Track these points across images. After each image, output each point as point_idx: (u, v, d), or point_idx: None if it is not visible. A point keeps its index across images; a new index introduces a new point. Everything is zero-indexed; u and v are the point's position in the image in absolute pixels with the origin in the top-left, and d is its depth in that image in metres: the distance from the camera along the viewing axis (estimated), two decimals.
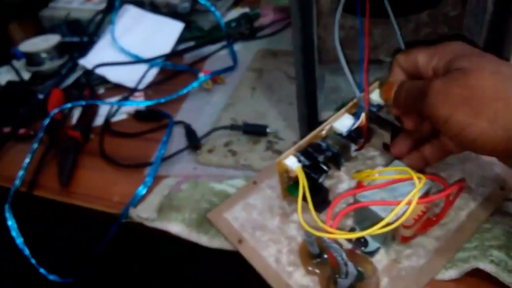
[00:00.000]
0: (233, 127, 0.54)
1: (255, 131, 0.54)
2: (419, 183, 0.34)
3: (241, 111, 0.58)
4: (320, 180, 0.40)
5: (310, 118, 0.51)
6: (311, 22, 0.42)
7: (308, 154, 0.40)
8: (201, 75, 0.64)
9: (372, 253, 0.39)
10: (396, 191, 0.37)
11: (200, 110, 0.60)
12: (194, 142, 0.54)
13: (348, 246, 0.39)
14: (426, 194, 0.37)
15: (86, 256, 0.50)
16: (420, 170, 0.39)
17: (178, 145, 0.55)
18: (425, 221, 0.38)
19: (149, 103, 0.61)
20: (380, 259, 0.38)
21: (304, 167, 0.40)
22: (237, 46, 0.72)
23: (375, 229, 0.33)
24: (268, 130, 0.54)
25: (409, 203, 0.34)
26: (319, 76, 0.48)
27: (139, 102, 0.62)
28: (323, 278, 0.38)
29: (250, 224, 0.43)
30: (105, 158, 0.55)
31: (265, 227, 0.42)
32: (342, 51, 0.41)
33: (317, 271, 0.38)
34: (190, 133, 0.55)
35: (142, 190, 0.49)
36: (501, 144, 0.31)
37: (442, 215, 0.39)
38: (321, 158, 0.40)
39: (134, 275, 0.58)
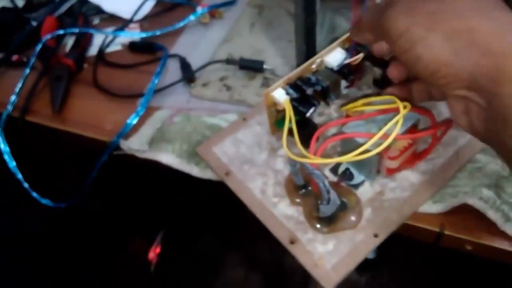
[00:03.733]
0: (229, 61, 0.53)
1: (251, 67, 0.53)
2: (404, 110, 0.34)
3: (238, 46, 0.57)
4: (308, 114, 0.39)
5: (308, 55, 0.50)
6: None
7: (297, 87, 0.39)
8: (199, 9, 0.61)
9: (357, 186, 0.39)
10: (383, 122, 0.36)
11: (196, 44, 0.59)
12: (188, 74, 0.53)
13: (334, 179, 0.40)
14: (413, 127, 0.36)
15: (79, 183, 0.50)
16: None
17: (173, 78, 0.54)
18: (411, 155, 0.38)
19: (144, 35, 0.60)
20: (365, 191, 0.39)
21: (292, 100, 0.39)
22: None
23: (353, 155, 0.33)
24: (265, 66, 0.52)
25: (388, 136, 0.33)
26: (319, 13, 0.46)
27: (134, 34, 0.61)
28: (306, 207, 0.38)
29: (238, 158, 0.43)
30: (98, 88, 0.55)
31: (252, 161, 0.42)
32: None
33: (302, 201, 0.39)
34: (184, 65, 0.54)
35: (133, 119, 0.48)
36: (444, 68, 0.27)
37: (428, 150, 0.38)
38: (310, 91, 0.39)
39: (125, 202, 0.59)
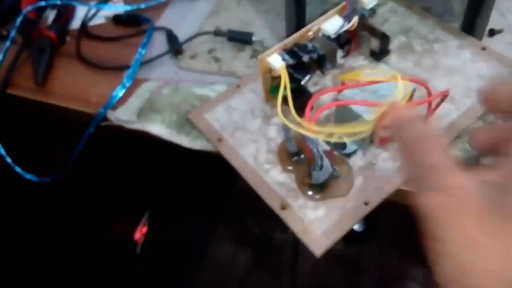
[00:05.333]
0: (217, 33, 0.52)
1: (240, 39, 0.52)
2: (401, 80, 0.34)
3: (226, 19, 0.56)
4: (303, 81, 0.39)
5: (298, 27, 0.49)
6: None
7: (293, 54, 0.39)
8: None
9: (349, 155, 0.39)
10: (379, 92, 0.36)
11: (182, 17, 0.58)
12: (175, 46, 0.52)
13: (327, 148, 0.40)
14: (408, 97, 0.37)
15: (65, 157, 0.49)
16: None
17: (160, 51, 0.53)
18: None
19: (128, 7, 0.58)
20: (357, 161, 0.39)
21: (288, 66, 0.38)
22: None
23: (352, 127, 0.33)
24: (253, 38, 0.52)
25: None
26: None
27: (118, 7, 0.59)
28: (298, 174, 0.38)
29: (231, 125, 0.42)
30: (82, 60, 0.53)
31: (245, 128, 0.42)
32: None
33: (294, 168, 0.39)
34: (171, 37, 0.53)
35: (120, 91, 0.47)
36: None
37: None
38: (306, 58, 0.39)
39: (112, 177, 0.58)
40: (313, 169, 0.36)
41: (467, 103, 0.41)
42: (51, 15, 0.59)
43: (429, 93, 0.37)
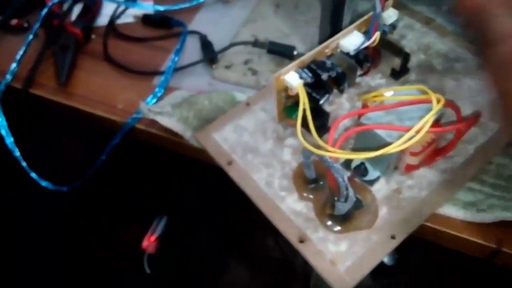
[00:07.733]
0: (256, 44, 0.49)
1: (280, 51, 0.48)
2: (437, 105, 0.31)
3: (263, 28, 0.53)
4: (322, 101, 0.35)
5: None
6: None
7: (311, 71, 0.36)
8: None
9: (372, 182, 0.36)
10: (405, 114, 0.34)
11: (216, 22, 0.54)
12: (210, 54, 0.48)
13: (347, 174, 0.36)
14: (436, 122, 0.34)
15: (84, 165, 0.46)
16: None
17: (191, 58, 0.49)
18: (432, 152, 0.35)
19: (160, 8, 0.54)
20: (380, 188, 0.36)
21: (306, 85, 0.35)
22: None
23: (381, 151, 0.30)
24: (295, 52, 0.48)
25: (419, 129, 0.30)
26: None
27: (148, 6, 0.55)
28: (317, 203, 0.35)
29: (241, 146, 0.39)
30: (109, 61, 0.50)
31: (256, 150, 0.39)
32: None
33: (312, 196, 0.36)
34: (206, 44, 0.50)
35: (151, 101, 0.44)
36: None
37: (450, 146, 0.36)
38: (325, 77, 0.36)
39: (132, 188, 0.55)
40: (337, 200, 0.32)
41: (494, 127, 0.38)
42: (75, 10, 0.55)
43: (459, 119, 0.35)
